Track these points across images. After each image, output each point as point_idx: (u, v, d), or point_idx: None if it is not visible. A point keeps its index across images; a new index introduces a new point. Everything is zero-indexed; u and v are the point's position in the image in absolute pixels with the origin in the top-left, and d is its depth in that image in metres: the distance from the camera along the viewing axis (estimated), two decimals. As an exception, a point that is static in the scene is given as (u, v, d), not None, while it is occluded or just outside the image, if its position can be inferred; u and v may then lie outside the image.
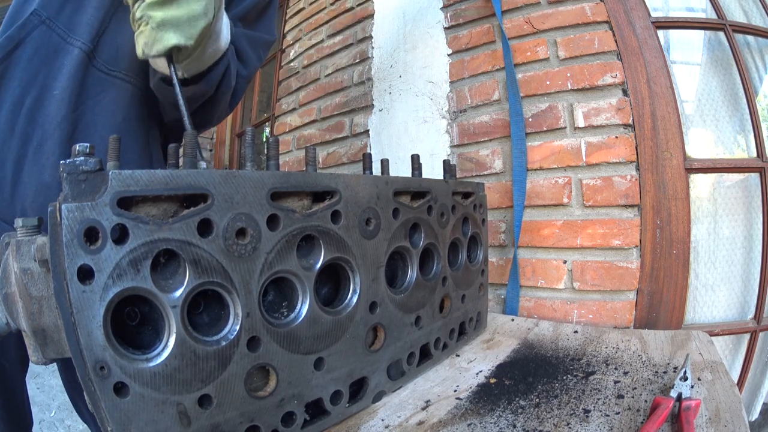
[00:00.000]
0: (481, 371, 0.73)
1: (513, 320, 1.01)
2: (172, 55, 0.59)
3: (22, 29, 0.65)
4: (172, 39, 0.56)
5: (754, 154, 1.08)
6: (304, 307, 0.52)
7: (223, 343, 0.44)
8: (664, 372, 0.67)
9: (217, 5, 0.60)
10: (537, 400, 0.61)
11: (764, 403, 1.18)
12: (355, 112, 1.51)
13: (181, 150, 0.49)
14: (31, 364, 0.58)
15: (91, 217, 0.36)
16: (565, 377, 0.68)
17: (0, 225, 0.63)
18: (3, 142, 0.63)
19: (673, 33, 1.16)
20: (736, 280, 1.13)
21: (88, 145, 0.37)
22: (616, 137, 1.00)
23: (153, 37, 0.56)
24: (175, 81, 0.61)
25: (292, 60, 1.86)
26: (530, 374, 0.70)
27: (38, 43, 0.65)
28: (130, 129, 0.72)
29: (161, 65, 0.63)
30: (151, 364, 0.39)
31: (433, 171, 1.17)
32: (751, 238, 1.14)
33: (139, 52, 0.58)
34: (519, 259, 1.09)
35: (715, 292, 1.11)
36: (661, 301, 0.97)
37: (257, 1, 0.81)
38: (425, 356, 0.73)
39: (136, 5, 0.56)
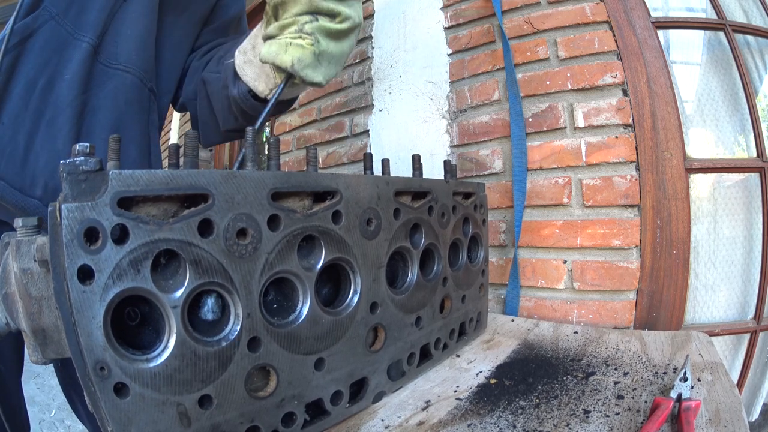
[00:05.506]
0: (481, 372, 0.73)
1: (513, 321, 1.01)
2: (291, 77, 0.59)
3: (35, 21, 0.68)
4: (318, 75, 0.57)
5: (754, 154, 1.09)
6: (304, 308, 0.51)
7: (224, 344, 0.44)
8: (664, 373, 0.67)
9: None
10: (537, 400, 0.61)
11: (764, 404, 1.18)
12: (355, 112, 1.51)
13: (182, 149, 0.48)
14: (30, 364, 0.58)
15: (92, 217, 0.36)
16: (565, 378, 0.68)
17: (10, 191, 0.64)
18: (16, 116, 0.66)
19: (673, 33, 1.16)
20: (736, 280, 1.13)
21: (88, 144, 0.37)
22: (616, 137, 1.00)
23: (312, 61, 0.56)
24: (273, 99, 0.61)
25: (292, 60, 1.86)
26: (530, 375, 0.70)
27: (49, 35, 0.68)
28: (132, 111, 0.76)
29: (262, 75, 0.65)
30: (152, 365, 0.39)
31: (433, 171, 1.17)
32: (751, 238, 1.14)
33: (287, 61, 0.56)
34: (519, 259, 1.08)
35: (715, 292, 1.11)
36: (661, 301, 0.97)
37: (237, 13, 0.89)
38: (425, 356, 0.73)
39: (305, 18, 0.55)
